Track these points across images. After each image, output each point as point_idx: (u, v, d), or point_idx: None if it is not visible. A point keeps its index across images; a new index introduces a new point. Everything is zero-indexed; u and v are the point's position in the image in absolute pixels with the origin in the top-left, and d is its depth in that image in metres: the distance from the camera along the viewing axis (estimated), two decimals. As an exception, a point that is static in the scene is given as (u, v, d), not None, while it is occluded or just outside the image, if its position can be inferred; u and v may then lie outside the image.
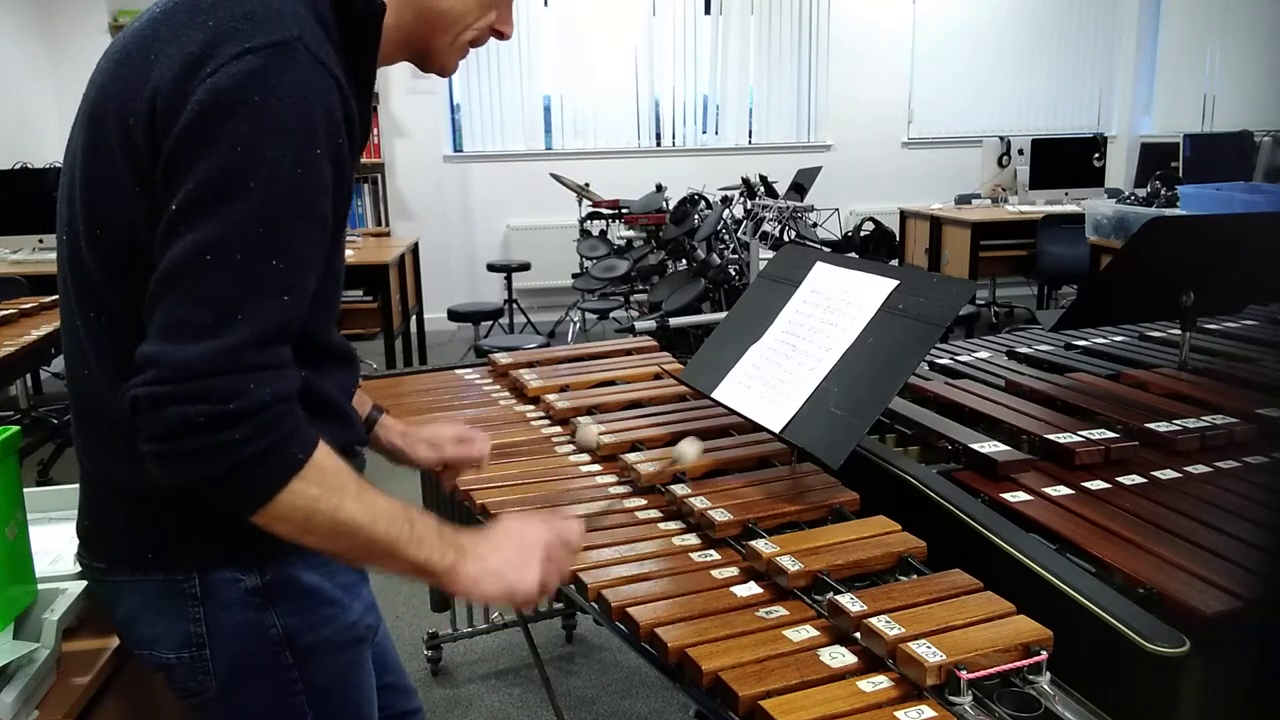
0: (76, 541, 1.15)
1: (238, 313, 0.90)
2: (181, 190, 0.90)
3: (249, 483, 0.91)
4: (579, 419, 1.41)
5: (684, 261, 5.53)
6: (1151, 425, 1.55)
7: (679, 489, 1.43)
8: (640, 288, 5.98)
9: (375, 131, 6.45)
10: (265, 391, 0.90)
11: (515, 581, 1.06)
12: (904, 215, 6.54)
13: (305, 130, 0.92)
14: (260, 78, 0.90)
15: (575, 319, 6.44)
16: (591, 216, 6.28)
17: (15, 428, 1.21)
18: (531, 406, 1.93)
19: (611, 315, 5.96)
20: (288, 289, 0.93)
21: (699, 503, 1.38)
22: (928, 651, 0.99)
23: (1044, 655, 1.00)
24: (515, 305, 6.32)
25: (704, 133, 7.29)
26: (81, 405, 1.08)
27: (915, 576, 1.20)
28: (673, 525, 1.39)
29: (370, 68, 1.07)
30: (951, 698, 0.96)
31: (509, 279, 6.28)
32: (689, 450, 1.39)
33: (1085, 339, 2.18)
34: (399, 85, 6.38)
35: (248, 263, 0.90)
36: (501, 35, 1.16)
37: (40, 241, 4.78)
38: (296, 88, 0.91)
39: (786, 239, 5.00)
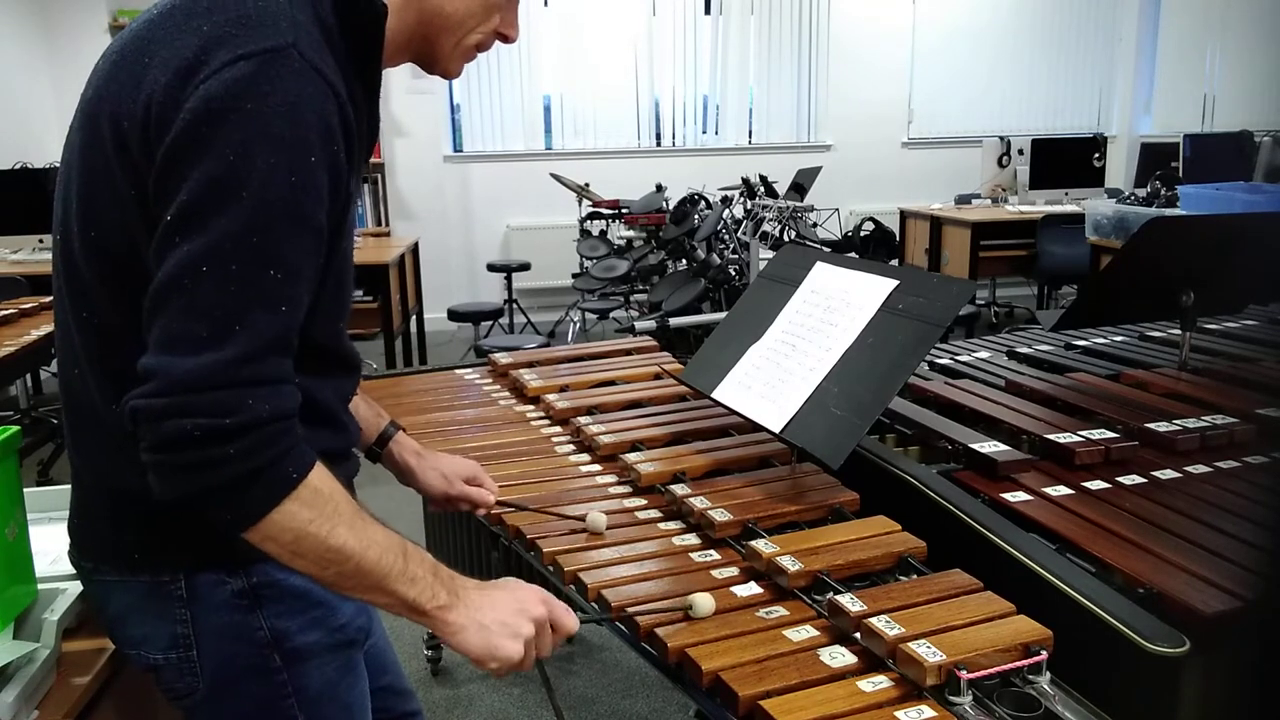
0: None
1: (234, 325, 0.89)
2: (175, 200, 0.90)
3: (241, 499, 0.90)
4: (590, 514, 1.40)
5: (684, 261, 5.53)
6: (1151, 425, 1.55)
7: (679, 489, 1.43)
8: (640, 288, 5.98)
9: (375, 131, 6.44)
10: (263, 408, 0.90)
11: (499, 644, 1.01)
12: (904, 215, 6.54)
13: (298, 138, 0.91)
14: (252, 84, 0.89)
15: (575, 319, 6.43)
16: (591, 216, 6.27)
17: (15, 428, 1.21)
18: (531, 406, 1.93)
19: (611, 315, 5.96)
20: (284, 300, 0.92)
21: (699, 503, 1.38)
22: (928, 651, 0.99)
23: (1044, 655, 1.00)
24: (515, 305, 6.32)
25: (704, 133, 7.28)
26: (72, 404, 1.08)
27: (915, 576, 1.20)
28: (673, 525, 1.39)
29: (375, 70, 1.06)
30: (951, 698, 0.96)
31: (509, 279, 6.28)
32: (703, 603, 1.17)
33: (1085, 339, 2.18)
34: (399, 85, 6.37)
35: (243, 274, 0.89)
36: (506, 39, 1.15)
37: (40, 241, 4.78)
38: (289, 95, 0.90)
39: (786, 239, 5.00)
